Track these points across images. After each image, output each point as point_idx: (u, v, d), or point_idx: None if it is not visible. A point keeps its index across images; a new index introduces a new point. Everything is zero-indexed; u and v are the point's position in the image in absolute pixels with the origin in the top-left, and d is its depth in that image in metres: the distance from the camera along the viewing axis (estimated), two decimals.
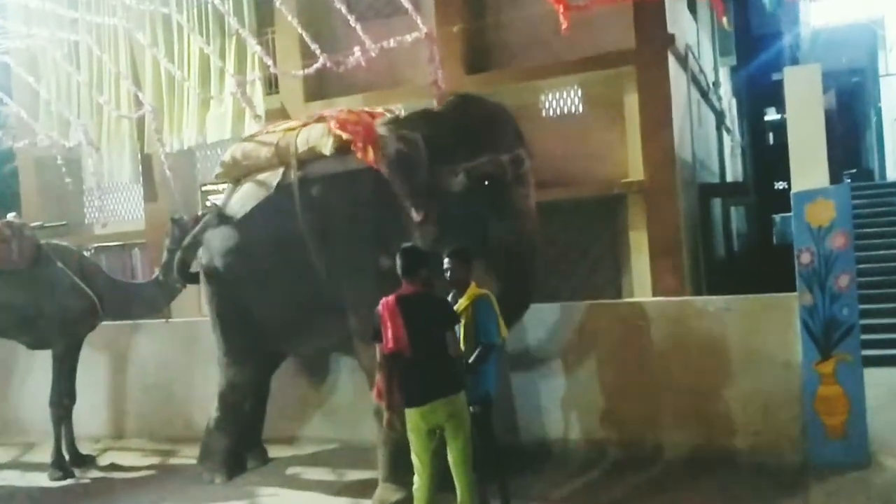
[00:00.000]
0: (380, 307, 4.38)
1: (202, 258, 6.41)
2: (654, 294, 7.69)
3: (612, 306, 6.19)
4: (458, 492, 4.41)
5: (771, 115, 24.60)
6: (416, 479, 4.46)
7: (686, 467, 5.56)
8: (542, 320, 6.09)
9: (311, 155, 5.73)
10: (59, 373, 7.01)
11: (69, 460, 7.04)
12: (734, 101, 19.93)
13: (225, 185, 6.80)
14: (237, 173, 6.41)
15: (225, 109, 10.70)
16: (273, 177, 5.91)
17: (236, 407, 6.41)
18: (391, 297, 4.38)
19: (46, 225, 7.74)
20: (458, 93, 5.75)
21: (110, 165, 11.99)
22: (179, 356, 7.49)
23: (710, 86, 14.66)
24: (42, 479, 6.87)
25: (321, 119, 5.85)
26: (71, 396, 7.06)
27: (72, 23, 9.18)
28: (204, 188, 12.11)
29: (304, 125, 5.94)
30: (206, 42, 10.24)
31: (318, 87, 10.94)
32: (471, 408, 4.54)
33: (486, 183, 4.99)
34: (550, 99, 10.61)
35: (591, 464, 5.81)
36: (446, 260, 4.68)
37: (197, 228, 6.57)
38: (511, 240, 5.04)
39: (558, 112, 10.62)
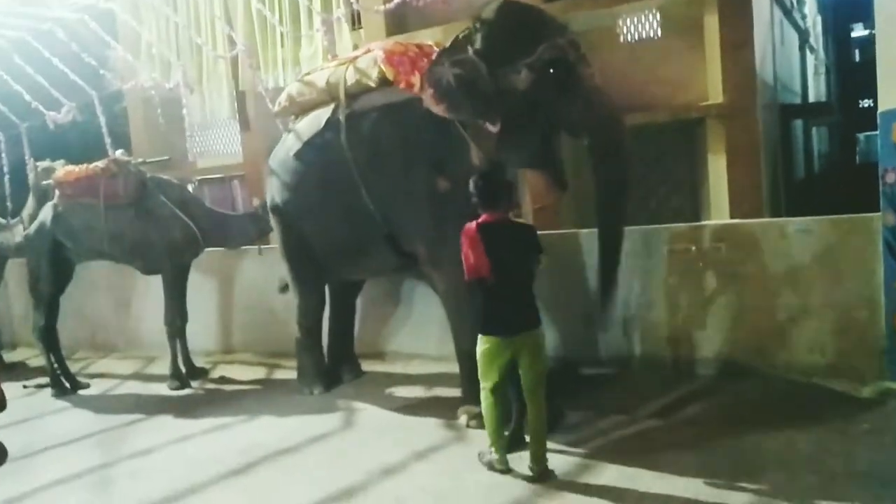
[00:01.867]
0: (462, 236, 4.20)
1: (269, 194, 6.53)
2: (732, 217, 7.38)
3: (690, 229, 5.98)
4: (530, 415, 4.26)
5: (858, 31, 22.84)
6: (482, 400, 4.30)
7: (759, 388, 5.39)
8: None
9: (359, 88, 5.62)
10: (170, 295, 7.35)
11: (185, 372, 7.44)
12: (819, 19, 18.57)
13: None
14: (295, 111, 6.37)
15: (316, 47, 10.65)
16: (324, 112, 5.86)
17: (312, 329, 6.61)
18: (472, 225, 4.19)
19: (149, 160, 7.95)
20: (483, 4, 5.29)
21: (210, 103, 12.18)
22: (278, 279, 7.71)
23: (794, 4, 13.68)
24: (162, 389, 7.29)
25: (369, 52, 5.69)
26: (182, 316, 7.41)
27: None
28: None
29: (354, 59, 5.78)
30: None
31: (400, 22, 10.73)
32: None
33: (552, 70, 4.59)
34: (628, 24, 10.12)
35: (664, 382, 5.71)
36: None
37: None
38: (594, 115, 4.67)
39: (636, 37, 10.11)
